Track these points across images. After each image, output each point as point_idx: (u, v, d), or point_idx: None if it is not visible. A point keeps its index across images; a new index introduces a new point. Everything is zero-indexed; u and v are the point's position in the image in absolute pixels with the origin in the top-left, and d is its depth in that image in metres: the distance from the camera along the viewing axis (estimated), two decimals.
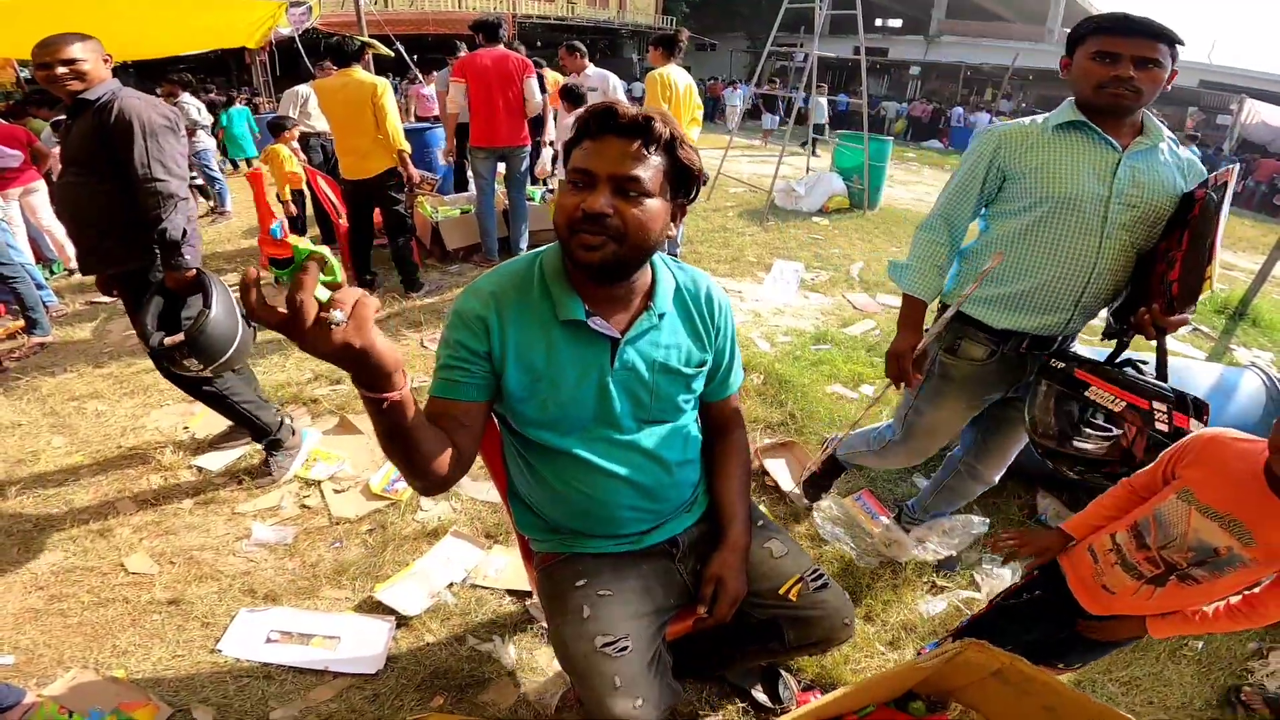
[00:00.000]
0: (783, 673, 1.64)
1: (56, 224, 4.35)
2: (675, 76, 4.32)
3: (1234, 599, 1.14)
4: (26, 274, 3.49)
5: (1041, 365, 1.50)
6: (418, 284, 4.14)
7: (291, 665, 1.62)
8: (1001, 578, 2.03)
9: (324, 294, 0.65)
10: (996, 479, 1.90)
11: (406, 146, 3.76)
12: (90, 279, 2.18)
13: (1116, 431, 1.36)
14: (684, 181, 1.04)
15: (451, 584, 1.89)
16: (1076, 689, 1.36)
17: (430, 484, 0.98)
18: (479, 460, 1.18)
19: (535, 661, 1.68)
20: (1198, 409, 1.32)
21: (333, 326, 0.66)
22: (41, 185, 4.25)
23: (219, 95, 9.63)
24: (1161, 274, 1.37)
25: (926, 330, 1.59)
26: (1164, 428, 1.31)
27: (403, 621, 1.76)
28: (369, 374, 0.76)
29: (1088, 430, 1.39)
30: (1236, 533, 1.05)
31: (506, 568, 1.96)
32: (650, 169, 0.98)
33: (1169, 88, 1.37)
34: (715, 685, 1.62)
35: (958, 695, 1.55)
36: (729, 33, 25.22)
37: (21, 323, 3.52)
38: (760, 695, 1.59)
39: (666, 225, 1.03)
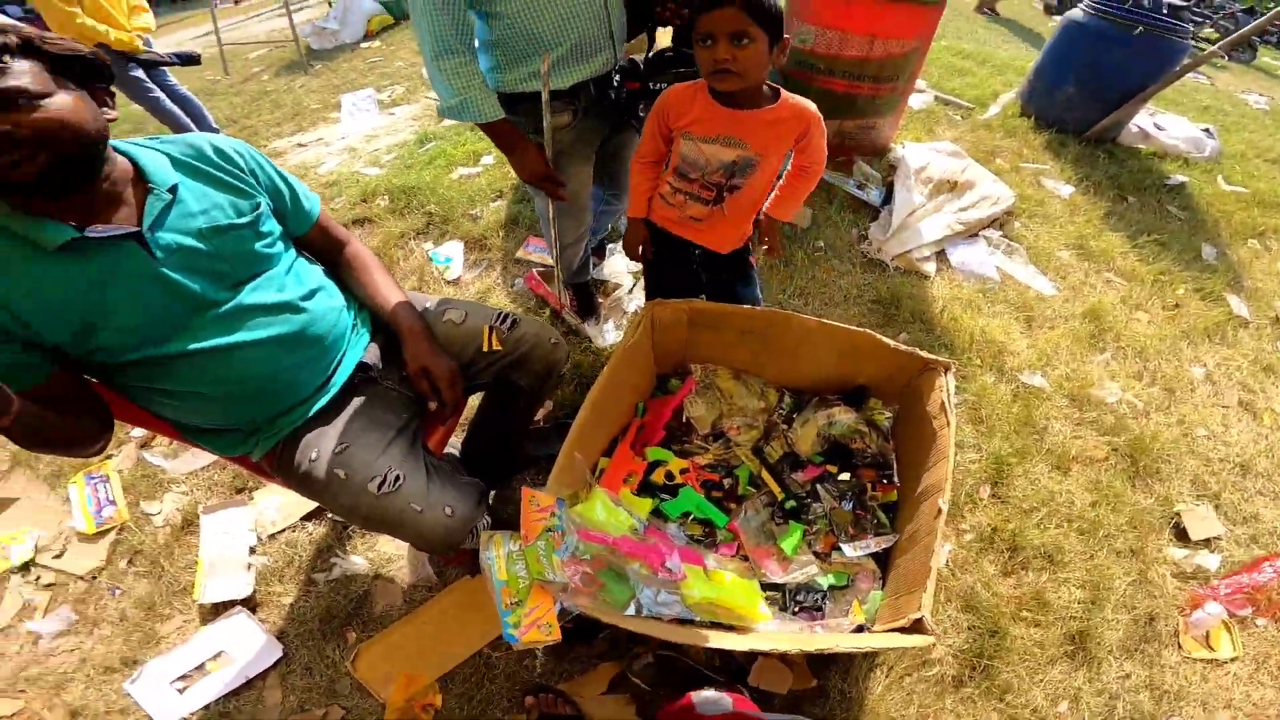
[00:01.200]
0: (566, 422, 1.77)
1: None
2: None
3: (783, 181, 1.49)
4: None
5: (641, 94, 1.59)
6: None
7: (224, 694, 1.50)
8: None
9: None
10: None
11: None
12: None
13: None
14: (89, 73, 0.98)
15: (252, 548, 1.77)
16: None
17: (89, 446, 1.05)
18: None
19: (379, 551, 1.70)
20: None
21: None
22: None
23: None
24: None
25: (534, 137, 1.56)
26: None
27: (251, 604, 1.66)
28: None
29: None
30: (734, 145, 1.33)
31: (282, 503, 1.86)
32: (26, 76, 0.89)
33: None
34: (521, 465, 1.77)
35: (688, 356, 1.79)
36: None
37: None
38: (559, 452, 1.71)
39: (96, 114, 0.97)
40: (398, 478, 1.09)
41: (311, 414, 1.16)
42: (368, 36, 6.23)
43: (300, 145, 3.87)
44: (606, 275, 2.43)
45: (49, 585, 1.83)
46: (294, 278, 1.18)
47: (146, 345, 1.02)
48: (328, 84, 4.97)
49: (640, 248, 1.62)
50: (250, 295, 1.10)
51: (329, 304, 1.22)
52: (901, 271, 2.51)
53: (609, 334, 2.22)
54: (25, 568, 1.88)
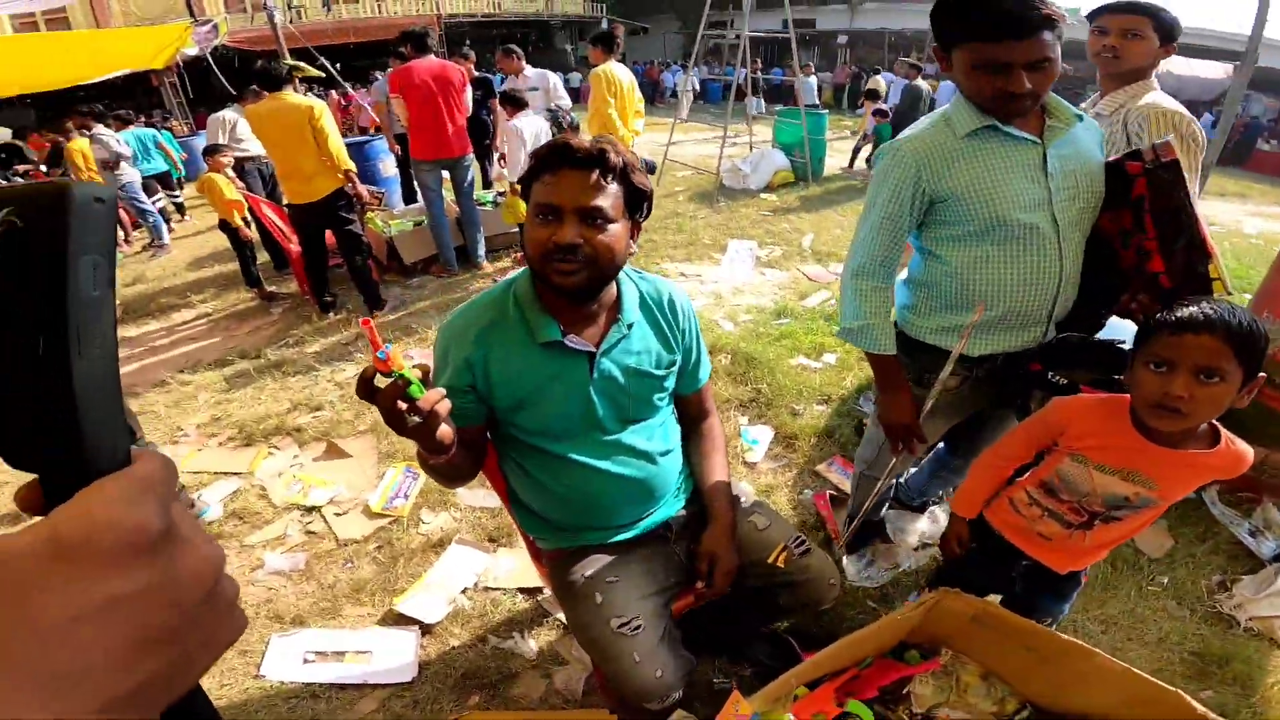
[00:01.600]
0: (786, 637, 1.76)
1: None
2: (618, 73, 4.42)
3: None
4: None
5: (1036, 379, 1.43)
6: (380, 301, 4.13)
7: (332, 682, 1.71)
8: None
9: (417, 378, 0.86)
10: None
11: (352, 166, 3.72)
12: None
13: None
14: (638, 202, 1.16)
15: (465, 589, 1.98)
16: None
17: (460, 484, 1.28)
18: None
19: (556, 651, 1.79)
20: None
21: (409, 421, 0.88)
22: None
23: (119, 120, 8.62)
24: (1136, 265, 1.32)
25: (919, 391, 1.50)
26: None
27: (426, 629, 1.85)
28: (428, 449, 0.99)
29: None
30: (1138, 482, 1.14)
31: (515, 568, 2.06)
32: (609, 197, 1.09)
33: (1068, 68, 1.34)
34: (726, 655, 1.75)
35: (947, 641, 1.68)
36: (659, 15, 25.09)
37: None
38: (766, 658, 1.70)
39: (628, 244, 1.16)
40: (638, 626, 1.18)
41: (608, 541, 1.30)
42: (769, 188, 7.12)
43: (683, 275, 4.50)
44: (895, 525, 2.39)
45: (311, 532, 2.25)
46: (662, 432, 1.34)
47: (545, 437, 1.23)
48: (724, 223, 5.77)
49: (959, 547, 1.46)
50: (629, 435, 1.27)
51: (673, 466, 1.37)
52: (1252, 633, 1.97)
53: (869, 576, 2.16)
54: (311, 510, 2.33)
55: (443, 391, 0.91)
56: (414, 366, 0.86)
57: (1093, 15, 1.77)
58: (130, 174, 5.87)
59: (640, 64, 18.81)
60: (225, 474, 2.60)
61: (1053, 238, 1.31)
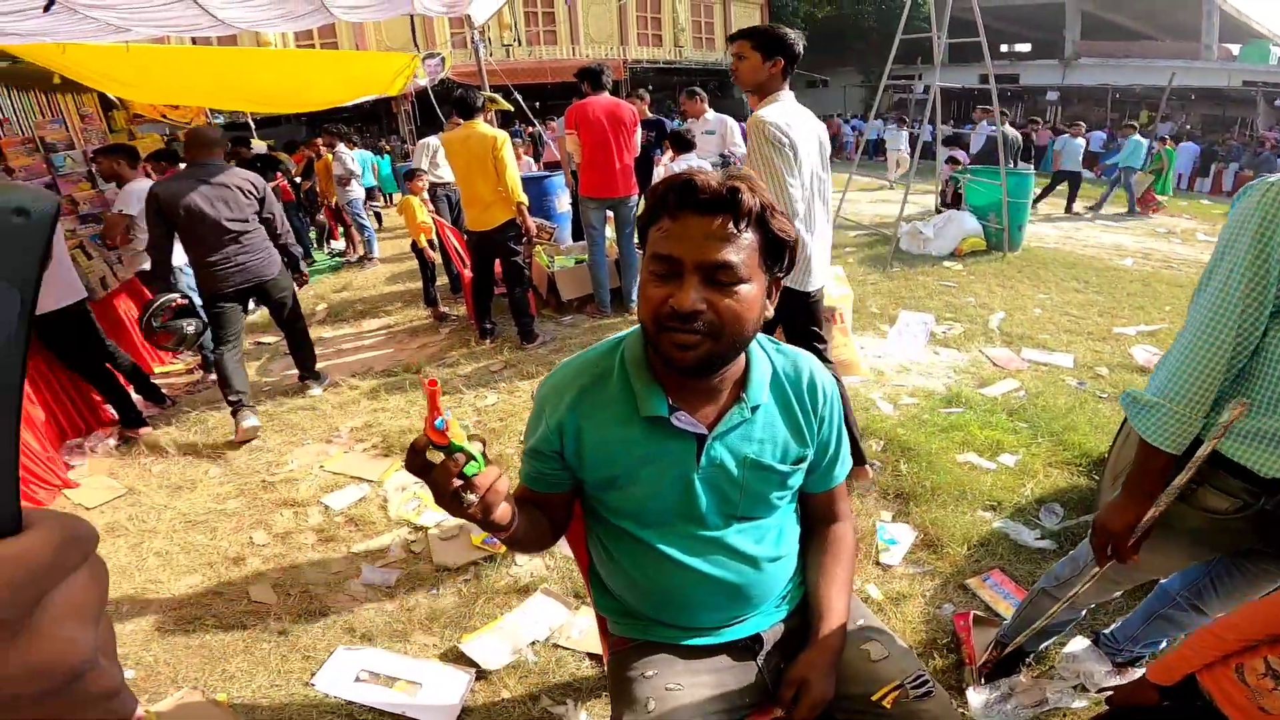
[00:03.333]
0: None
1: None
2: None
3: None
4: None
5: None
6: (533, 335, 4.24)
7: (373, 706, 1.68)
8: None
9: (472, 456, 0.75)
10: None
11: (524, 199, 3.88)
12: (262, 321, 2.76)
13: None
14: (778, 254, 0.93)
15: (534, 642, 1.87)
16: None
17: (530, 552, 1.18)
18: None
19: None
20: None
21: (465, 502, 0.75)
22: None
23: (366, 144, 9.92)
24: None
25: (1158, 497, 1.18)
26: None
27: (482, 674, 1.77)
28: (484, 529, 0.84)
29: None
30: None
31: (590, 629, 1.91)
32: (742, 250, 0.87)
33: None
34: None
35: None
36: (840, 67, 24.75)
37: (199, 359, 4.03)
38: None
39: (764, 308, 0.93)
40: None
41: (682, 643, 1.11)
42: (955, 255, 6.45)
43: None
44: (1068, 654, 1.83)
45: (412, 551, 2.26)
46: (776, 536, 1.12)
47: (632, 521, 1.06)
48: (897, 290, 5.27)
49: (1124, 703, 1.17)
50: (734, 535, 1.07)
51: (780, 574, 1.15)
52: None
53: (1003, 713, 1.66)
54: (418, 529, 2.35)
55: (499, 471, 0.77)
56: (471, 438, 0.74)
57: None
58: (357, 191, 6.81)
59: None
60: (359, 479, 2.76)
61: None
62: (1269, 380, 1.06)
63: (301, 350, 3.67)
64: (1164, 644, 1.68)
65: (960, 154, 7.44)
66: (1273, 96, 17.76)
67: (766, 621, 1.16)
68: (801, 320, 2.43)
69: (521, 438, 1.18)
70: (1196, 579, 1.47)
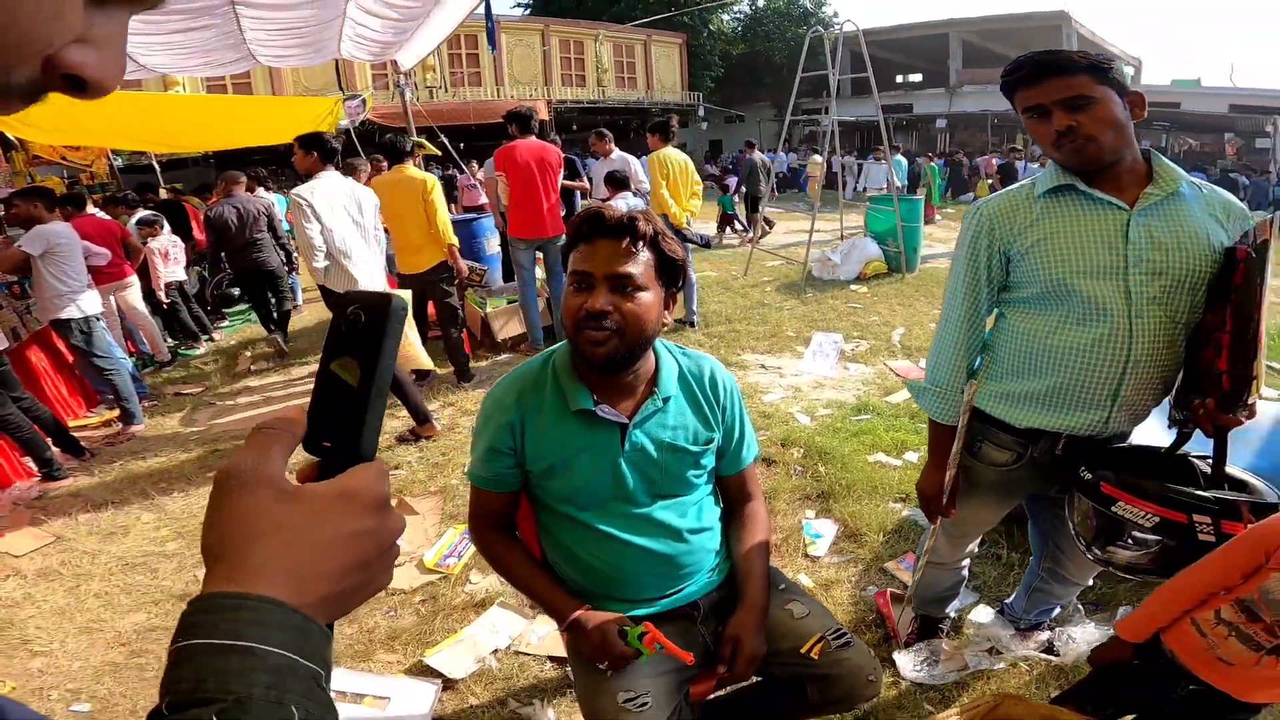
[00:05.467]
0: None
1: (150, 319, 4.82)
2: (672, 156, 4.87)
3: None
4: (122, 366, 3.81)
5: (1070, 474, 1.35)
6: (469, 374, 4.26)
7: None
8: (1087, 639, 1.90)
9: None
10: (1090, 579, 1.77)
11: (455, 240, 3.93)
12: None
13: (1155, 540, 1.21)
14: (671, 273, 1.18)
15: (496, 650, 1.96)
16: None
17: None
18: None
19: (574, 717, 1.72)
20: (1258, 510, 1.15)
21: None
22: (134, 280, 4.57)
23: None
24: (1210, 362, 1.18)
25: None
26: (1210, 538, 1.15)
27: (449, 684, 1.84)
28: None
29: (1131, 539, 1.24)
30: None
31: (549, 635, 2.02)
32: (640, 265, 1.12)
33: (1143, 114, 1.24)
34: None
35: None
36: (755, 102, 25.97)
37: (117, 412, 3.88)
38: None
39: (661, 315, 1.17)
40: (645, 703, 1.13)
41: (630, 614, 1.24)
42: (860, 279, 6.98)
43: (764, 367, 4.45)
44: (976, 623, 2.05)
45: None
46: (697, 511, 1.30)
47: (574, 505, 1.24)
48: (810, 314, 5.70)
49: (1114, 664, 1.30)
50: (659, 510, 1.25)
51: (707, 546, 1.32)
52: None
53: (933, 675, 1.85)
54: None
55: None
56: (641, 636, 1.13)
57: None
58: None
59: (738, 151, 19.42)
60: None
61: (1121, 310, 1.22)
62: (1007, 353, 1.38)
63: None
64: (1056, 611, 1.93)
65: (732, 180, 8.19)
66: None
67: (701, 590, 1.33)
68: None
69: (465, 469, 1.37)
70: (1042, 550, 1.75)
